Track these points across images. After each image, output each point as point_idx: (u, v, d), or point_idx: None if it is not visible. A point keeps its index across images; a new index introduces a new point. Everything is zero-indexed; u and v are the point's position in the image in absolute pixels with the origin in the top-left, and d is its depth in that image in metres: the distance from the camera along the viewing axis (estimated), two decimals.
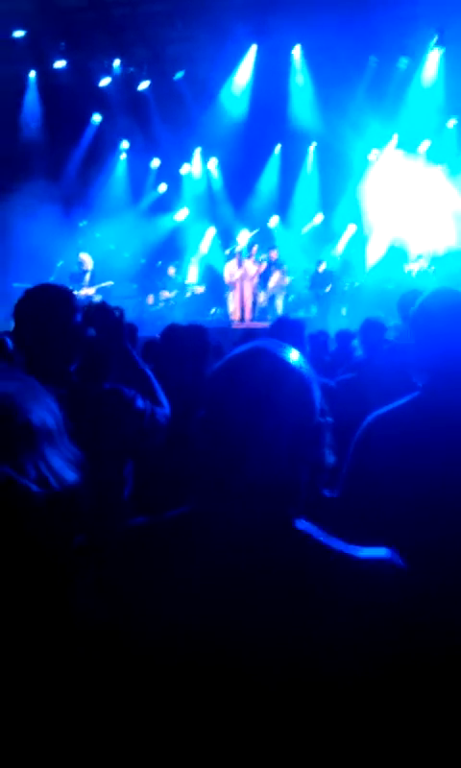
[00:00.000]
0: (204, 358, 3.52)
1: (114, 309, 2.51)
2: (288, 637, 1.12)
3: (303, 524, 1.20)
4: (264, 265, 14.52)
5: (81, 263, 13.54)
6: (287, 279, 14.73)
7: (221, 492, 1.18)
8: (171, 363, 3.51)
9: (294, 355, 1.22)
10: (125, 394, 2.31)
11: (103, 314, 2.46)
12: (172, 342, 3.59)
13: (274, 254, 14.67)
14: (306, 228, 17.23)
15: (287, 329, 3.57)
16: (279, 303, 14.57)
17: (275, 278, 14.46)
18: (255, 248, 14.90)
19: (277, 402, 1.15)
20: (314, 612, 1.13)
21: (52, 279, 12.66)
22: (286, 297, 14.89)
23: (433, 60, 15.04)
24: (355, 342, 5.39)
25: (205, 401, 1.20)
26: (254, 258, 14.53)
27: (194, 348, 3.53)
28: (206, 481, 1.20)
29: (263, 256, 14.83)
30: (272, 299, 14.59)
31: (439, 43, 14.74)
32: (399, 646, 1.16)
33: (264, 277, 14.53)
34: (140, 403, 2.33)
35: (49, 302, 2.33)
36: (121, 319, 2.50)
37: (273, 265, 14.53)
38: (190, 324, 3.95)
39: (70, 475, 1.43)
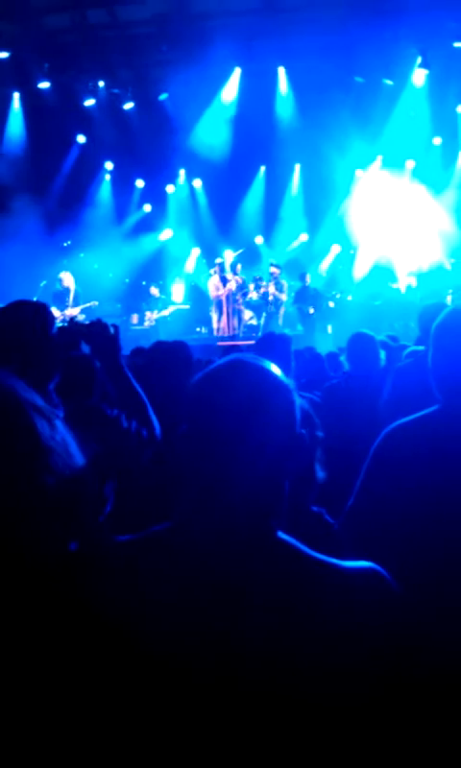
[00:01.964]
0: (186, 373, 3.46)
1: (110, 326, 2.47)
2: (277, 648, 1.12)
3: (284, 536, 1.21)
4: (252, 285, 14.52)
5: (61, 281, 13.49)
6: (284, 296, 14.71)
7: (204, 505, 1.17)
8: (153, 378, 3.45)
9: (272, 367, 1.23)
10: (107, 412, 2.26)
11: (99, 331, 2.42)
12: (154, 358, 3.54)
13: (275, 271, 14.65)
14: (292, 246, 17.30)
15: (273, 345, 3.51)
16: (280, 321, 14.53)
17: (272, 294, 14.45)
18: (239, 267, 14.92)
19: (258, 414, 1.16)
20: (301, 622, 1.13)
21: (35, 299, 12.58)
22: (275, 314, 14.84)
23: (417, 80, 15.21)
24: (343, 357, 5.33)
25: (185, 415, 1.20)
26: (238, 275, 14.54)
27: (175, 362, 3.48)
28: (189, 495, 1.20)
29: (258, 276, 14.85)
30: (271, 315, 14.55)
31: (423, 65, 14.92)
32: (387, 656, 1.16)
33: (264, 296, 14.52)
34: (124, 422, 2.28)
35: (24, 318, 2.28)
36: (116, 336, 2.45)
37: (272, 281, 14.52)
38: (173, 341, 3.91)
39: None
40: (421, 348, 4.27)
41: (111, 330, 2.48)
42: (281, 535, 1.20)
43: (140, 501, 2.63)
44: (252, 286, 14.76)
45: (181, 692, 1.12)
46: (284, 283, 14.74)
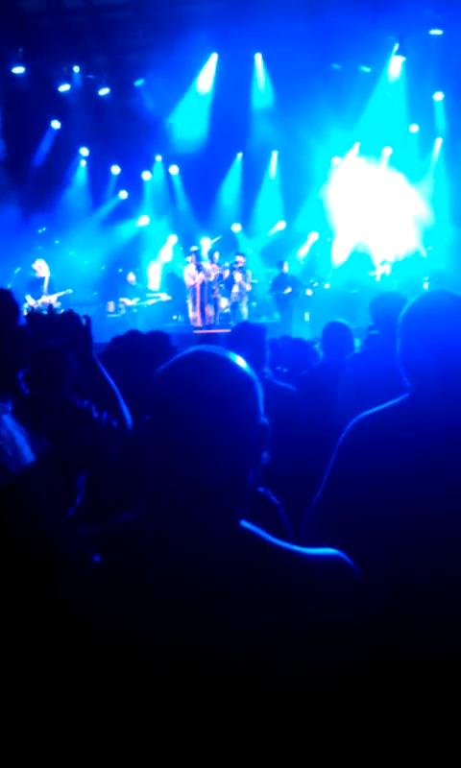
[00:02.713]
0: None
1: (82, 317, 2.44)
2: (242, 638, 1.12)
3: (248, 526, 1.21)
4: (227, 272, 14.48)
5: (35, 270, 13.36)
6: (248, 286, 14.70)
7: (168, 497, 1.18)
8: (131, 370, 3.42)
9: (236, 359, 1.24)
10: (78, 404, 2.24)
11: (70, 322, 2.39)
12: (132, 349, 3.51)
13: (241, 260, 14.62)
14: (273, 231, 17.25)
15: (247, 335, 3.50)
16: (244, 310, 14.53)
17: (237, 284, 14.43)
18: (217, 255, 14.85)
19: (223, 405, 1.16)
20: (267, 611, 1.13)
21: (9, 287, 12.46)
22: (249, 303, 14.86)
23: (395, 67, 15.19)
24: (317, 346, 5.35)
25: (150, 406, 1.21)
26: (215, 263, 14.47)
27: (156, 355, 3.46)
28: (153, 487, 1.20)
29: (227, 264, 14.79)
30: (236, 305, 14.55)
31: (400, 52, 14.90)
32: (352, 643, 1.17)
33: (228, 284, 14.49)
34: (95, 415, 2.26)
35: None
36: (88, 327, 2.43)
37: (238, 270, 14.48)
38: (151, 330, 3.88)
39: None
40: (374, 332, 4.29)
41: (83, 321, 2.46)
42: (245, 524, 1.21)
43: (112, 493, 2.62)
44: (226, 273, 14.70)
45: (145, 686, 1.12)
46: (249, 273, 14.70)
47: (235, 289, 14.44)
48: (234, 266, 14.55)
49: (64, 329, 2.39)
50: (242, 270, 14.54)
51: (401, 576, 2.01)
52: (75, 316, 2.44)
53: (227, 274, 14.41)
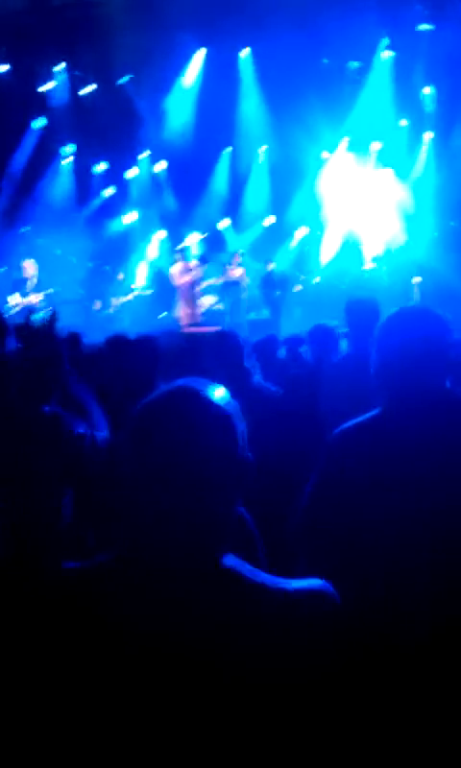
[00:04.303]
0: (153, 373, 3.41)
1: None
2: (232, 675, 1.12)
3: (230, 560, 1.22)
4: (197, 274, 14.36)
5: (22, 270, 13.26)
6: (247, 280, 14.63)
7: (150, 536, 1.18)
8: (117, 378, 3.39)
9: (218, 392, 1.24)
10: (65, 418, 2.23)
11: (43, 337, 2.38)
12: (119, 356, 3.48)
13: (238, 258, 14.57)
14: (267, 223, 17.20)
15: (225, 349, 3.51)
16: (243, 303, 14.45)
17: (238, 279, 14.36)
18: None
19: (202, 443, 1.17)
20: (254, 648, 1.13)
21: None
22: (240, 299, 14.76)
23: (384, 63, 15.18)
24: (304, 348, 5.33)
25: (131, 440, 1.21)
26: (236, 264, 14.38)
27: (144, 363, 3.42)
28: (135, 523, 1.20)
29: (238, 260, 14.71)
30: (237, 301, 14.45)
31: (389, 47, 14.93)
32: (330, 674, 1.17)
33: (227, 283, 14.42)
34: (80, 428, 2.25)
35: None
36: (61, 341, 2.41)
37: (237, 267, 14.43)
38: (139, 335, 3.84)
39: None
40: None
41: (56, 335, 2.44)
42: (228, 561, 1.21)
43: (97, 503, 2.60)
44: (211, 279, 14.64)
45: (128, 724, 1.12)
46: (244, 269, 14.67)
47: (242, 283, 14.36)
48: (229, 265, 14.48)
49: (36, 345, 2.37)
50: (240, 266, 14.48)
51: (382, 586, 2.05)
52: (46, 332, 2.42)
53: (198, 274, 14.24)
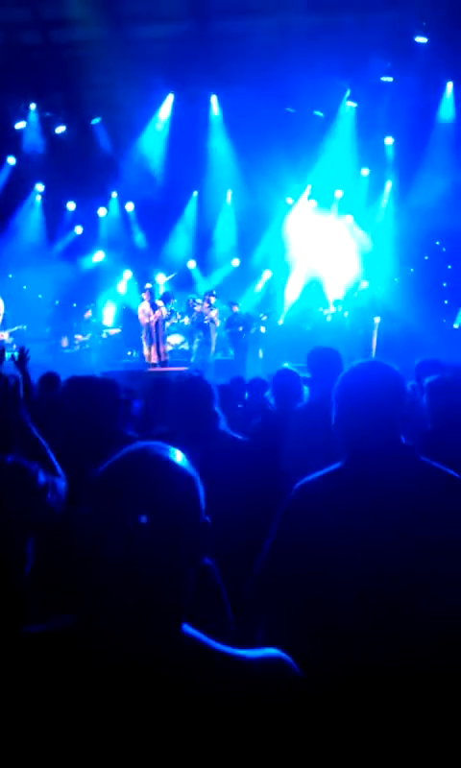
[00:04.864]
0: (113, 416, 3.43)
1: (9, 377, 2.44)
2: (189, 748, 1.11)
3: (189, 630, 1.20)
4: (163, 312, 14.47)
5: None
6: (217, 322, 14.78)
7: (110, 601, 1.16)
8: (75, 421, 3.40)
9: (179, 456, 1.24)
10: (27, 467, 2.23)
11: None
12: (77, 399, 3.48)
13: (212, 299, 14.74)
14: (236, 262, 17.40)
15: (197, 391, 3.53)
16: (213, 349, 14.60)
17: (210, 320, 14.51)
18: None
19: (163, 507, 1.16)
20: (211, 722, 1.12)
21: None
22: (209, 340, 14.87)
23: (347, 113, 15.61)
24: (268, 393, 5.39)
25: (91, 507, 1.19)
26: (208, 305, 14.51)
27: (102, 405, 3.44)
28: (95, 588, 1.18)
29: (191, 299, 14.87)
30: (206, 342, 14.57)
31: (351, 97, 15.36)
32: (287, 742, 1.16)
33: (200, 323, 14.54)
34: (42, 477, 2.26)
35: None
36: (16, 388, 2.42)
37: (211, 308, 14.59)
38: (98, 377, 3.86)
39: None
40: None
41: (11, 382, 2.45)
42: (187, 629, 1.20)
43: (59, 550, 2.60)
44: (178, 315, 14.78)
45: None
46: (217, 310, 14.85)
47: (212, 324, 14.52)
48: (204, 304, 14.62)
49: None
50: (211, 307, 14.65)
51: (341, 640, 2.05)
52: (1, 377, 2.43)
53: (163, 313, 14.37)
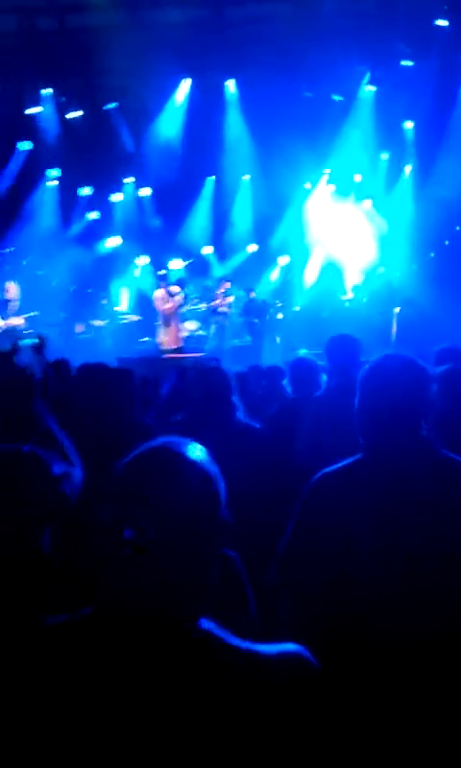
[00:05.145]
0: (127, 405, 3.42)
1: (26, 368, 2.44)
2: (207, 746, 1.10)
3: (206, 624, 1.20)
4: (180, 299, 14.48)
5: (4, 291, 13.25)
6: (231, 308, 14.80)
7: (128, 596, 1.17)
8: (89, 409, 3.39)
9: (199, 452, 1.25)
10: (44, 457, 2.23)
11: (16, 377, 2.39)
12: (91, 387, 3.48)
13: (227, 285, 14.72)
14: (250, 249, 17.35)
15: (215, 381, 3.52)
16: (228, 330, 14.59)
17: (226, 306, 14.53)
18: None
19: (183, 503, 1.17)
20: (228, 718, 1.11)
21: None
22: (224, 326, 14.89)
23: (366, 96, 15.45)
24: (285, 381, 5.36)
25: (112, 500, 1.21)
26: (223, 290, 14.52)
27: (117, 394, 3.43)
28: (112, 580, 1.19)
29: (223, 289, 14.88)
30: (222, 328, 14.59)
31: (371, 81, 15.21)
32: (307, 741, 1.15)
33: (213, 308, 14.57)
34: (57, 467, 2.26)
35: None
36: (32, 380, 2.42)
37: (225, 294, 14.59)
38: (114, 368, 3.85)
39: None
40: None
41: (28, 374, 2.45)
42: (204, 624, 1.19)
43: (74, 537, 2.59)
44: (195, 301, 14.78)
45: None
46: (232, 297, 14.84)
47: (227, 310, 14.53)
48: (217, 292, 14.62)
49: (10, 384, 2.38)
50: (227, 293, 14.65)
51: (364, 631, 2.06)
52: (20, 372, 2.43)
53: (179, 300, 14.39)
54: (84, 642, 1.17)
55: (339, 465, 2.24)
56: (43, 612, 1.31)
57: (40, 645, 1.18)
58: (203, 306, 15.26)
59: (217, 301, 14.54)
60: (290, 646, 1.22)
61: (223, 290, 14.62)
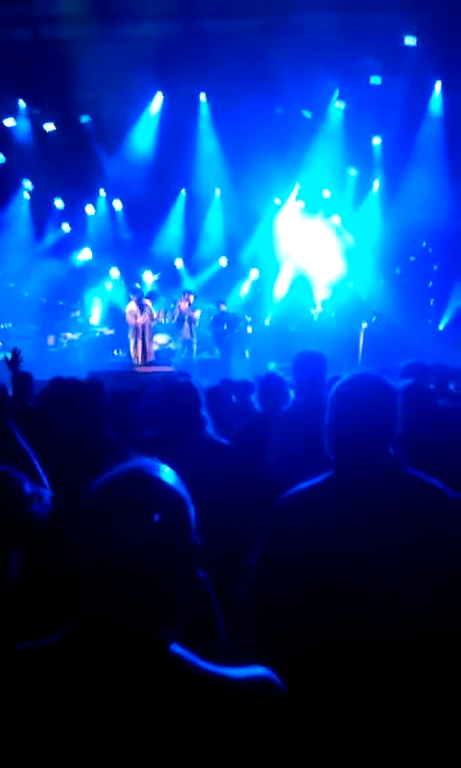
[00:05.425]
0: (99, 423, 3.45)
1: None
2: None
3: (177, 649, 1.20)
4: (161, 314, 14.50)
5: None
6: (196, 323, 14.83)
7: (98, 619, 1.17)
8: (58, 425, 3.41)
9: (170, 476, 1.25)
10: (14, 476, 2.23)
11: None
12: (61, 403, 3.50)
13: (191, 297, 14.77)
14: (223, 261, 17.41)
15: (184, 396, 3.55)
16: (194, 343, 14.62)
17: (189, 320, 14.55)
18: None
19: (156, 527, 1.18)
20: (196, 742, 1.13)
21: None
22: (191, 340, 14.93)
23: (335, 113, 15.63)
24: (253, 397, 5.40)
25: (82, 520, 1.21)
26: (188, 304, 14.54)
27: (88, 410, 3.45)
28: (84, 604, 1.20)
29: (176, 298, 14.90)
30: (188, 342, 14.61)
31: (340, 98, 15.38)
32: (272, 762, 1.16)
33: (180, 321, 14.59)
34: (28, 487, 2.26)
35: None
36: (5, 397, 2.43)
37: (191, 308, 14.65)
38: (84, 380, 3.86)
39: None
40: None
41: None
42: (174, 649, 1.20)
43: (46, 559, 2.60)
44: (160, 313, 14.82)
45: None
46: (198, 311, 14.89)
47: (194, 325, 14.58)
48: (180, 304, 14.64)
49: None
50: (192, 308, 14.69)
51: (332, 648, 2.08)
52: None
53: (160, 316, 14.42)
54: (52, 667, 1.17)
55: (308, 483, 2.24)
56: (10, 636, 1.33)
57: (8, 670, 1.18)
58: (167, 320, 15.30)
59: (177, 312, 14.57)
60: (258, 670, 1.23)
61: (187, 303, 14.66)
